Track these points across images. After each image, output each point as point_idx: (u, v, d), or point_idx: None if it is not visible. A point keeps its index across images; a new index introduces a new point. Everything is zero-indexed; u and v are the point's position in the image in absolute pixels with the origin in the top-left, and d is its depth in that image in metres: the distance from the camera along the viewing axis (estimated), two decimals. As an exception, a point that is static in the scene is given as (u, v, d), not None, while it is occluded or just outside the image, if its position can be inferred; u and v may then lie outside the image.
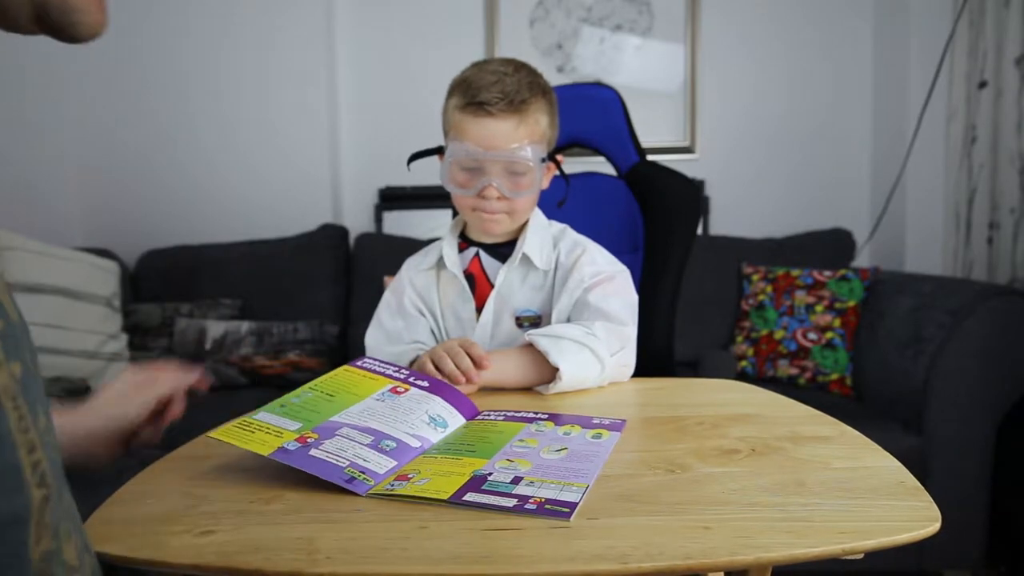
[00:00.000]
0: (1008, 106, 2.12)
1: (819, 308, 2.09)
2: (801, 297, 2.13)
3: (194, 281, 2.41)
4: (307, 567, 0.46)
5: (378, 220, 2.62)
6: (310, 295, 2.39)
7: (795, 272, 2.18)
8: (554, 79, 2.71)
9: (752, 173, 2.66)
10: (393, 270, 2.38)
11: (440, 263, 1.10)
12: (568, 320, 1.01)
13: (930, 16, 2.34)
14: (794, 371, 2.07)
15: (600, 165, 1.37)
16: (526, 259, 1.05)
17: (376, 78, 2.70)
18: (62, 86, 2.60)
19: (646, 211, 1.30)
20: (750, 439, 0.67)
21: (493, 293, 1.05)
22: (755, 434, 0.69)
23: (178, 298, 2.36)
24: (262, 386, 2.14)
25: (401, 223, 2.59)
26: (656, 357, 1.20)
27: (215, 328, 2.20)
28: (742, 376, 2.12)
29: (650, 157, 1.35)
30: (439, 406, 0.75)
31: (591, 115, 1.36)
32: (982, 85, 2.21)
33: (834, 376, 2.01)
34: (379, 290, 2.36)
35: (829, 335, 2.05)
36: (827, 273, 2.13)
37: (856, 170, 2.66)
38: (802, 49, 2.64)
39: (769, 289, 2.20)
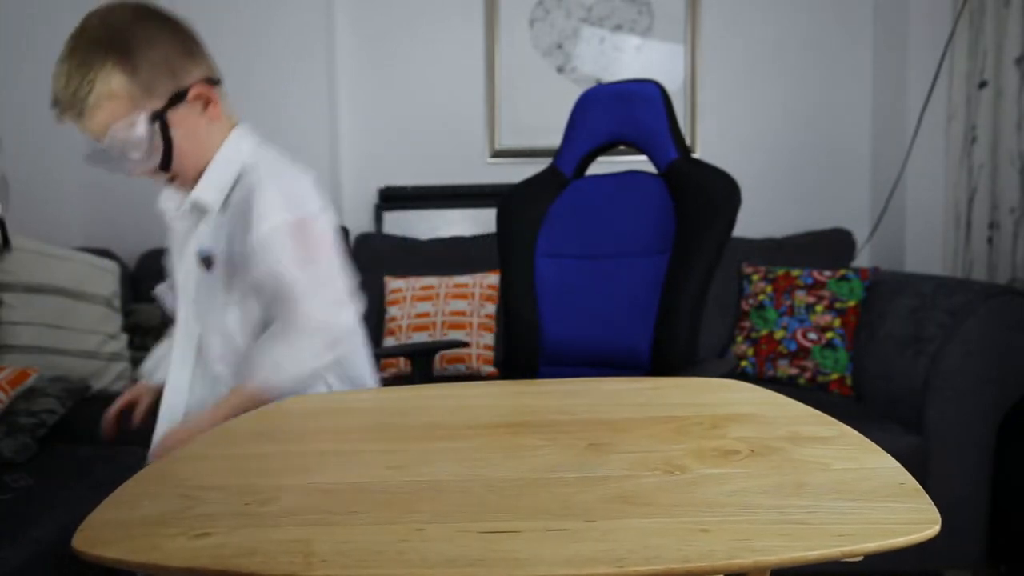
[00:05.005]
0: (1008, 106, 2.12)
1: (819, 308, 2.09)
2: (801, 297, 2.13)
3: (193, 281, 2.40)
4: (303, 570, 0.46)
5: (378, 220, 2.61)
6: (310, 295, 2.38)
7: (795, 272, 2.18)
8: (554, 79, 2.72)
9: (752, 173, 2.65)
10: (394, 270, 2.38)
11: None
12: (240, 267, 0.98)
13: (930, 16, 2.33)
14: (794, 371, 2.06)
15: (644, 164, 1.36)
16: (197, 203, 1.01)
17: (376, 78, 2.70)
18: (61, 86, 2.60)
19: (679, 208, 1.28)
20: (749, 440, 0.67)
21: (174, 240, 1.05)
22: (754, 435, 0.68)
23: (177, 298, 2.35)
24: (261, 386, 2.13)
25: (401, 223, 2.58)
26: (677, 358, 1.18)
27: (214, 328, 2.20)
28: (742, 376, 2.11)
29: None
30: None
31: (632, 112, 1.35)
32: (982, 85, 2.20)
33: (834, 376, 2.00)
34: (379, 290, 2.36)
35: (829, 335, 2.04)
36: (827, 273, 2.13)
37: (856, 170, 2.66)
38: (802, 49, 2.63)
39: (769, 289, 2.19)
